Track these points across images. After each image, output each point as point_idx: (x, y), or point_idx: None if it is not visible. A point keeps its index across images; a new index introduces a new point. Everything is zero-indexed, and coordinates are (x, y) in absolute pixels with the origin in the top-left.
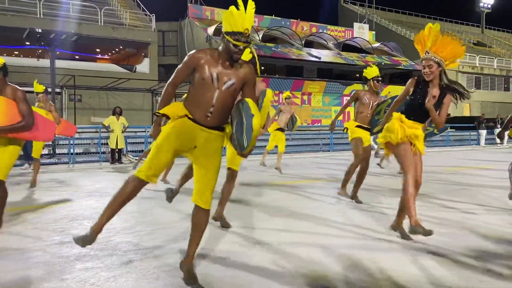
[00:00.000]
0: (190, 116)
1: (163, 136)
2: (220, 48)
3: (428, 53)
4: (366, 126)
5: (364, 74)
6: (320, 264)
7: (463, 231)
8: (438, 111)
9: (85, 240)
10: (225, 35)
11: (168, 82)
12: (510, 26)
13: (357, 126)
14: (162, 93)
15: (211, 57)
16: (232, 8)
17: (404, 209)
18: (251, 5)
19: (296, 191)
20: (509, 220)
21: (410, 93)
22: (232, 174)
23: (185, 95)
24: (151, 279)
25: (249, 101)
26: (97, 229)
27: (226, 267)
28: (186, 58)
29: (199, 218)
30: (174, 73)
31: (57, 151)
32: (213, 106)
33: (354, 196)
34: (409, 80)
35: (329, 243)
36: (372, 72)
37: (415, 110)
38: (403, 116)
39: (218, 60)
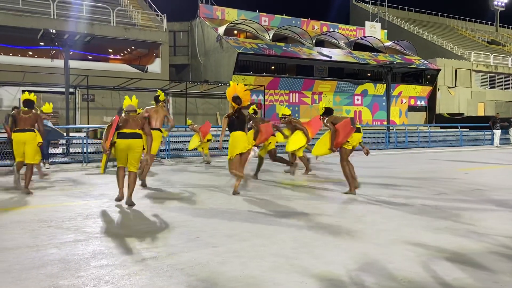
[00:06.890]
0: None
1: None
2: None
3: None
4: None
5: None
6: (333, 263)
7: (477, 232)
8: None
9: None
10: None
11: None
12: None
13: None
14: None
15: None
16: None
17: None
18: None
19: (307, 191)
20: None
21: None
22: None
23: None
24: (165, 277)
25: None
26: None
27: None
28: None
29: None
30: None
31: (71, 150)
32: None
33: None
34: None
35: (343, 241)
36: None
37: None
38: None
39: None
